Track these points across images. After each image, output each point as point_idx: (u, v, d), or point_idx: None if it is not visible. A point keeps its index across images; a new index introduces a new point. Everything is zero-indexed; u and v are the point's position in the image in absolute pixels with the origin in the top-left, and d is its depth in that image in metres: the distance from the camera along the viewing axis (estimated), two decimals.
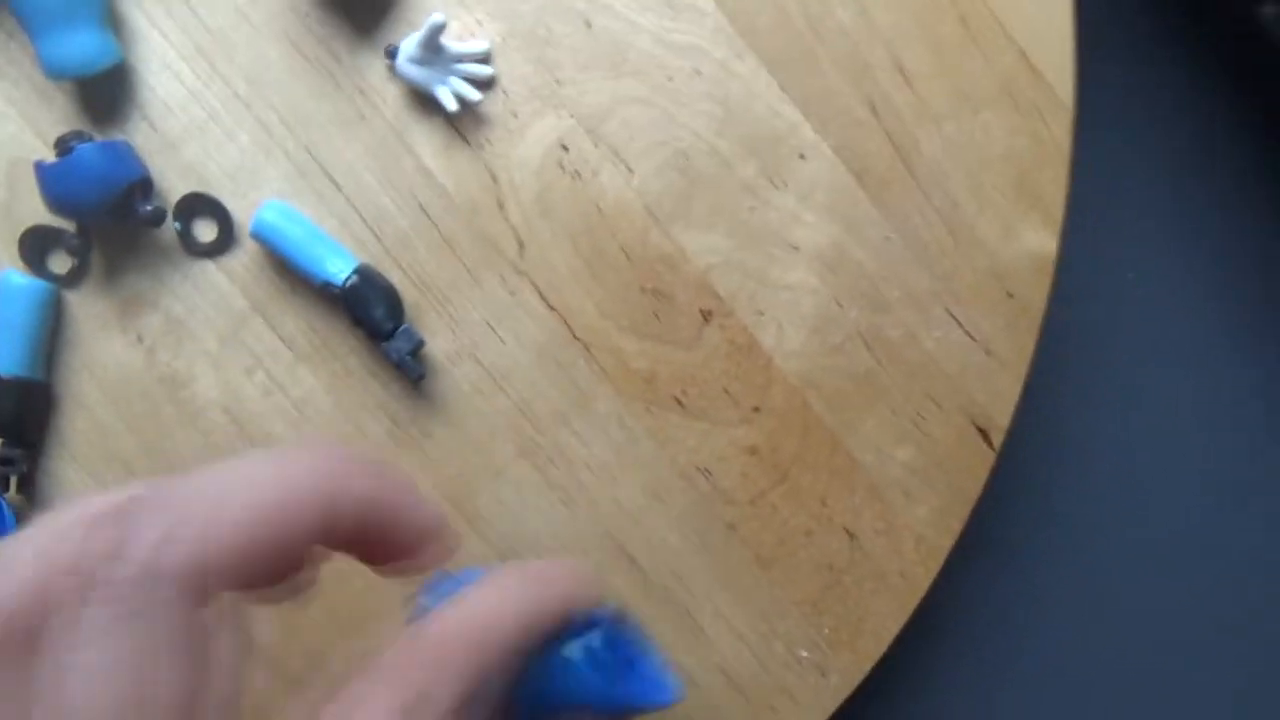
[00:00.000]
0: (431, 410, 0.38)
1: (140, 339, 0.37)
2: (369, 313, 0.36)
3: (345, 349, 0.38)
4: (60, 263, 0.37)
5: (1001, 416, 0.38)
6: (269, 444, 0.38)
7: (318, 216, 0.37)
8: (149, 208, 0.35)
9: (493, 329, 0.38)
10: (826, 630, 0.39)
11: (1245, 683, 0.52)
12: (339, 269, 0.36)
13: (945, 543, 0.38)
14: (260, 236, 0.36)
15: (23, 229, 0.37)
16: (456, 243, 0.37)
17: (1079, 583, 0.45)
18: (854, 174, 0.37)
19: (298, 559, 0.18)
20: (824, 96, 0.37)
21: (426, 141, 0.37)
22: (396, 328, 0.36)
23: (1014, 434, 0.38)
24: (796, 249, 0.37)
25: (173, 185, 0.37)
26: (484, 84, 0.37)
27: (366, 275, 0.36)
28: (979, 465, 0.38)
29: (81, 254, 0.37)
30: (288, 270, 0.37)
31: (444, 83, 0.36)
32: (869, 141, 0.37)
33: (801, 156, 0.37)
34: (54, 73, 0.34)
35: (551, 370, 0.38)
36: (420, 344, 0.36)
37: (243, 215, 0.37)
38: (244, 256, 0.37)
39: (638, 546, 0.38)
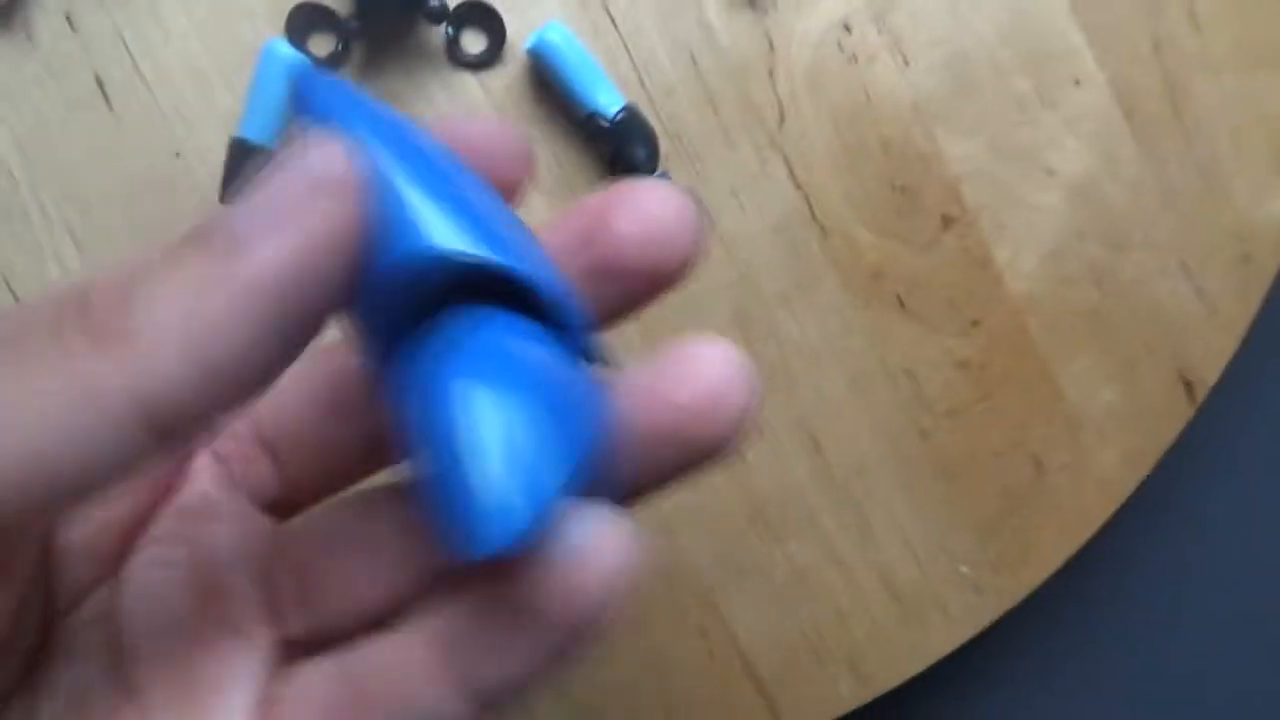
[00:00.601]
0: None
1: None
2: (632, 151, 0.36)
3: (585, 187, 0.38)
4: (322, 44, 0.37)
5: (1210, 374, 0.39)
6: None
7: (589, 50, 0.37)
8: (435, 2, 0.35)
9: (736, 195, 0.38)
10: (992, 552, 0.40)
11: None
12: (610, 102, 0.36)
13: (1127, 488, 0.39)
14: (538, 54, 0.36)
15: (294, 3, 0.36)
16: (719, 103, 0.37)
17: (1247, 552, 0.46)
18: (1123, 110, 0.38)
19: None
20: (1111, 27, 0.38)
21: None
22: (653, 171, 0.36)
23: (1215, 394, 0.39)
24: (1052, 173, 0.38)
25: None
26: None
27: (634, 113, 0.36)
28: (1177, 418, 0.39)
29: (346, 39, 0.37)
30: (548, 97, 0.37)
31: None
32: (1145, 79, 0.38)
33: (1077, 82, 0.38)
34: None
35: (783, 248, 0.38)
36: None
37: (514, 34, 0.37)
38: (506, 76, 0.37)
39: (828, 437, 0.39)
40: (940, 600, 0.40)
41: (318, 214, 0.13)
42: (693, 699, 0.40)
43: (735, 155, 0.38)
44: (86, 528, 0.18)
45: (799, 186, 0.38)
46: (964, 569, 0.40)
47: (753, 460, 0.39)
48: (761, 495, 0.39)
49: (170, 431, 0.13)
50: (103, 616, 0.18)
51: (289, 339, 0.14)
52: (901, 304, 0.39)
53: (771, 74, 0.37)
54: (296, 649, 0.17)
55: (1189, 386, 0.39)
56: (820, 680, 0.40)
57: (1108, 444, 0.39)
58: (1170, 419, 0.39)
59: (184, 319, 0.13)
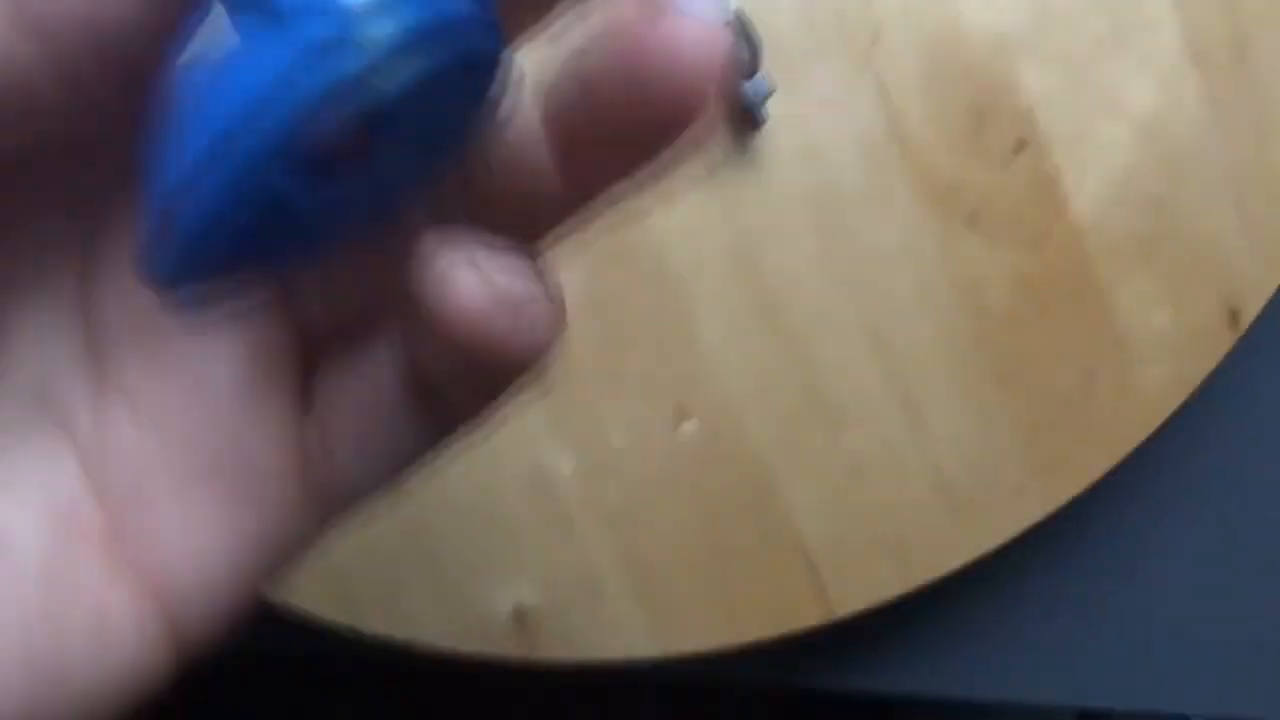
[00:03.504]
0: (748, 163, 0.43)
1: None
2: (739, 51, 0.41)
3: None
4: None
5: (1254, 305, 0.43)
6: None
7: None
8: None
9: (825, 107, 0.43)
10: (1038, 458, 0.45)
11: None
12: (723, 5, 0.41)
13: (1170, 407, 0.44)
14: None
15: None
16: (818, 17, 0.42)
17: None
18: (1193, 54, 0.42)
19: None
20: None
21: None
22: (754, 72, 0.41)
23: (1255, 326, 0.44)
24: (1120, 108, 0.43)
25: None
26: None
27: (742, 18, 0.41)
28: (1220, 344, 0.44)
29: None
30: None
31: None
32: (1215, 28, 0.42)
33: (1151, 25, 0.42)
34: None
35: (866, 159, 0.43)
36: (771, 91, 0.42)
37: None
38: None
39: (893, 335, 0.44)
40: (986, 499, 0.45)
41: None
42: (747, 576, 0.45)
43: (828, 69, 0.43)
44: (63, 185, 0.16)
45: (884, 103, 0.43)
46: (1010, 472, 0.45)
47: (820, 353, 0.44)
48: (824, 385, 0.44)
49: None
50: (75, 299, 0.16)
51: None
52: (971, 219, 0.43)
53: None
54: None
55: (1234, 315, 0.44)
56: (867, 566, 0.45)
57: (1154, 363, 0.44)
58: (1214, 345, 0.44)
59: None
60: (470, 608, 0.45)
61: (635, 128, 0.15)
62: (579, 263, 0.43)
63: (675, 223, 0.43)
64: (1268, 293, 0.43)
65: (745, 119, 0.42)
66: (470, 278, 0.15)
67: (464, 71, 0.14)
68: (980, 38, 0.43)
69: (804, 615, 0.45)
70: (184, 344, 0.16)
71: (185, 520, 0.16)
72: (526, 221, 0.17)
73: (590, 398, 0.44)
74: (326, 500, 0.17)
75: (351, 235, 0.16)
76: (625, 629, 0.45)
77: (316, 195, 0.14)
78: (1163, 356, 0.44)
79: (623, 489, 0.44)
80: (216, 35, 0.12)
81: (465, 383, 0.16)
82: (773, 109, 0.42)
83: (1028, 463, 0.45)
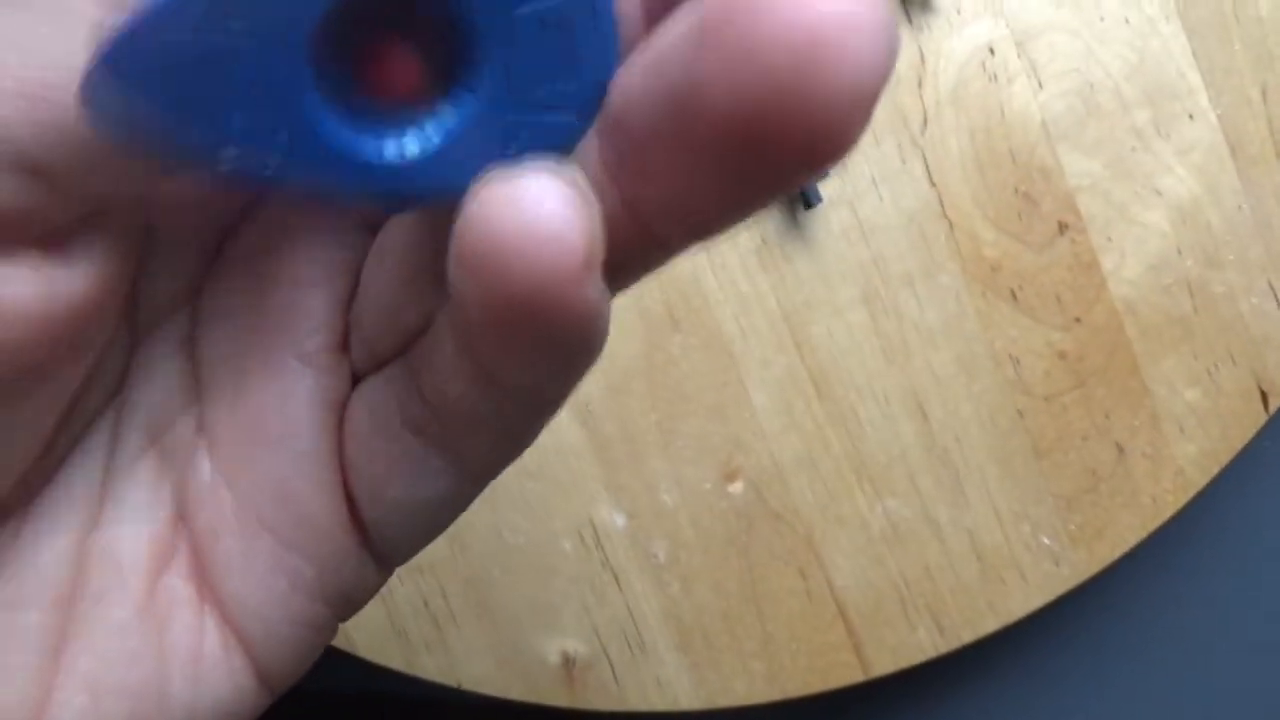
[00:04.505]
0: (800, 239, 0.46)
1: None
2: None
3: None
4: None
5: None
6: None
7: None
8: None
9: (876, 186, 0.45)
10: (1072, 527, 0.47)
11: None
12: None
13: (1201, 481, 0.46)
14: None
15: None
16: None
17: None
18: (1229, 145, 0.45)
19: None
20: (1225, 72, 0.45)
21: None
22: None
23: None
24: (1159, 194, 0.45)
25: None
26: None
27: None
28: (1251, 422, 0.46)
29: None
30: None
31: None
32: (1251, 121, 0.45)
33: (1190, 117, 0.45)
34: None
35: (913, 237, 0.46)
36: (825, 173, 0.44)
37: None
38: None
39: (934, 406, 0.46)
40: (1020, 566, 0.47)
41: None
42: (788, 634, 0.47)
43: (880, 151, 0.45)
44: (170, 239, 0.17)
45: (933, 184, 0.45)
46: (1045, 539, 0.47)
47: (864, 421, 0.46)
48: (868, 452, 0.46)
49: None
50: (183, 342, 0.17)
51: None
52: (1014, 296, 0.46)
53: (920, 84, 0.45)
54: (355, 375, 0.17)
55: (1265, 395, 0.46)
56: (904, 628, 0.47)
57: (1187, 439, 0.46)
58: (1245, 423, 0.46)
59: None
60: (519, 655, 0.47)
61: (758, 144, 0.11)
62: (637, 328, 0.46)
63: (730, 293, 0.46)
64: None
65: (799, 198, 0.45)
66: (502, 192, 0.12)
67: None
68: (1026, 125, 0.45)
69: (842, 674, 0.47)
70: (266, 395, 0.16)
71: (250, 564, 0.16)
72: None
73: (643, 456, 0.46)
74: (376, 548, 0.17)
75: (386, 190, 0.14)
76: (669, 681, 0.47)
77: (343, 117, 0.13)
78: (1195, 433, 0.46)
79: (671, 545, 0.46)
80: None
81: (509, 352, 0.14)
82: (826, 190, 0.45)
83: (1062, 532, 0.47)
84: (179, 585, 0.16)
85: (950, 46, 0.45)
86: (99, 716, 0.15)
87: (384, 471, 0.16)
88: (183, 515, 0.17)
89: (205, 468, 0.17)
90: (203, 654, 0.16)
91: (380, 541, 0.17)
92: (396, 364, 0.16)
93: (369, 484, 0.17)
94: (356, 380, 0.17)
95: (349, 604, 0.17)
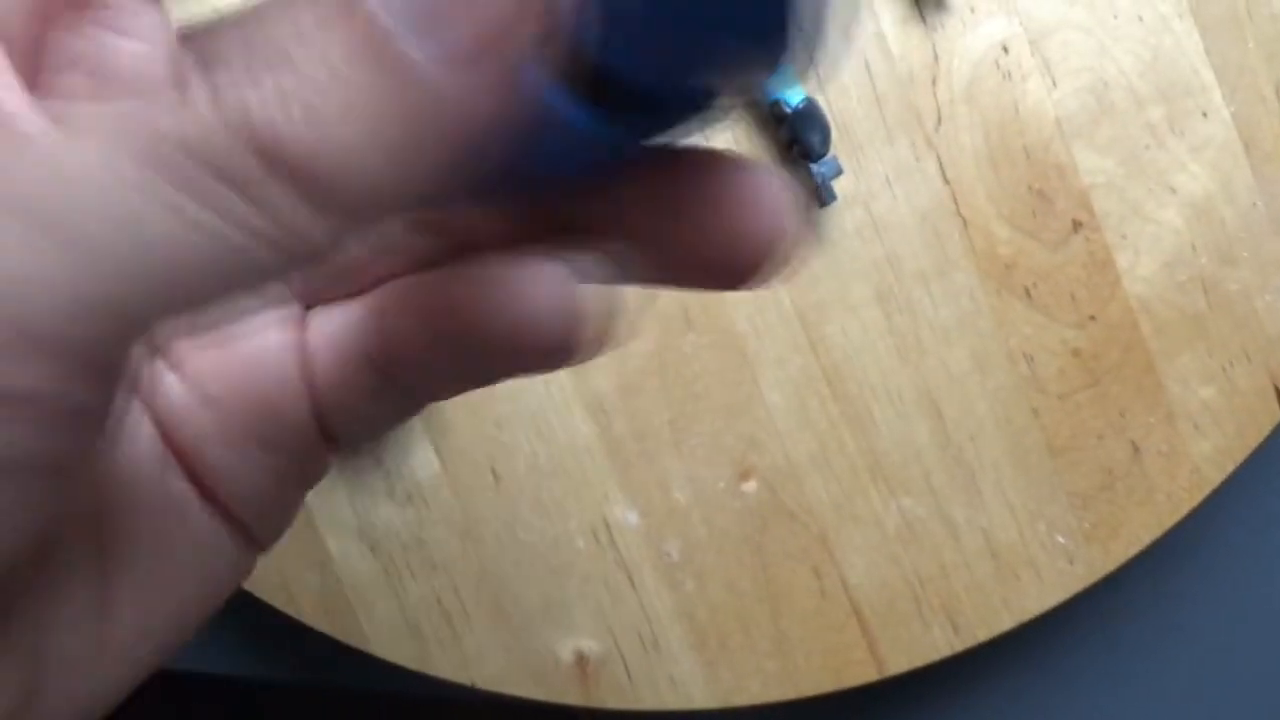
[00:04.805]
0: (815, 238, 0.46)
1: None
2: (808, 135, 0.44)
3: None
4: None
5: None
6: None
7: None
8: None
9: (890, 185, 0.46)
10: (1087, 525, 0.47)
11: None
12: (793, 94, 0.44)
13: (1216, 479, 0.46)
14: None
15: None
16: (886, 103, 0.45)
17: None
18: (1243, 142, 0.45)
19: None
20: (1239, 70, 0.45)
21: (889, 11, 0.45)
22: (824, 155, 0.44)
23: None
24: (1174, 191, 0.45)
25: None
26: None
27: (812, 105, 0.44)
28: (1266, 420, 0.46)
29: None
30: None
31: None
32: (1265, 118, 0.45)
33: (1204, 115, 0.45)
34: None
35: (927, 235, 0.46)
36: (839, 172, 0.44)
37: None
38: None
39: (948, 405, 0.46)
40: (1035, 564, 0.47)
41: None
42: (802, 632, 0.47)
43: (894, 149, 0.45)
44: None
45: (947, 182, 0.45)
46: (1060, 538, 0.47)
47: (878, 419, 0.46)
48: (882, 451, 0.46)
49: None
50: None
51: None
52: (1028, 294, 0.46)
53: (934, 82, 0.45)
54: None
55: (1279, 393, 0.46)
56: (919, 627, 0.47)
57: (1202, 436, 0.46)
58: (1261, 420, 0.46)
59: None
60: (533, 654, 0.47)
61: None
62: (650, 327, 0.46)
63: (744, 293, 0.46)
64: None
65: (814, 197, 0.45)
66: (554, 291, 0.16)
67: None
68: (1039, 123, 0.45)
69: (856, 673, 0.47)
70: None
71: (240, 466, 0.19)
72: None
73: (656, 455, 0.46)
74: (335, 442, 0.20)
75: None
76: (683, 680, 0.47)
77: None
78: (1210, 430, 0.46)
79: (684, 544, 0.47)
80: None
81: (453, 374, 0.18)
82: (840, 188, 0.45)
83: (1077, 530, 0.47)
84: (184, 487, 0.18)
85: (964, 45, 0.45)
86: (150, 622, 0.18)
87: (346, 394, 0.19)
88: (165, 432, 0.18)
89: (177, 391, 0.18)
90: (211, 541, 0.18)
91: (340, 439, 0.20)
92: (355, 304, 0.19)
93: (332, 400, 0.19)
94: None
95: (314, 484, 0.20)
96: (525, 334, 0.16)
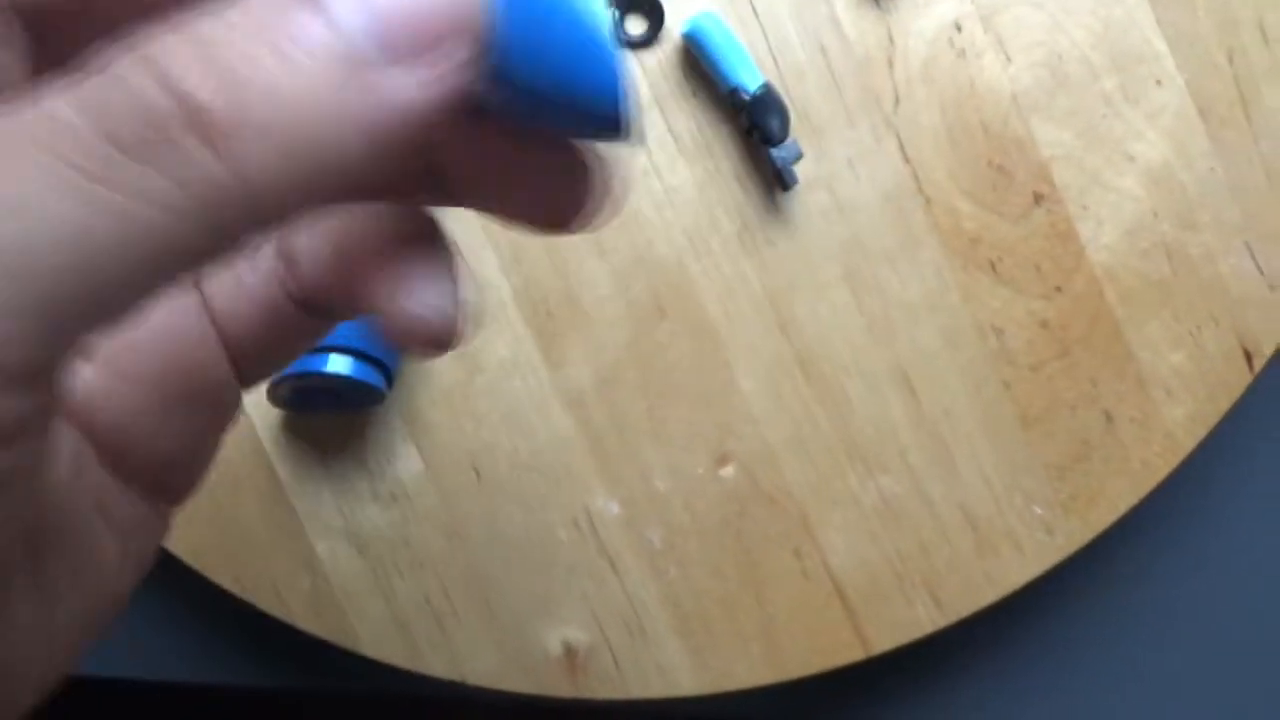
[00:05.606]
0: (780, 223, 0.46)
1: None
2: (766, 121, 0.44)
3: (722, 153, 0.46)
4: None
5: (1268, 345, 0.46)
6: (634, 220, 0.47)
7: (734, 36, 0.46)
8: None
9: (852, 166, 0.46)
10: (1064, 495, 0.47)
11: None
12: (751, 80, 0.45)
13: (1189, 444, 0.46)
14: (691, 38, 0.45)
15: None
16: (843, 85, 0.46)
17: None
18: (1198, 108, 0.45)
19: None
20: (1191, 38, 0.45)
21: None
22: (784, 139, 0.45)
23: (1271, 365, 0.46)
24: (1132, 160, 0.46)
25: None
26: None
27: (770, 90, 0.45)
28: (1237, 383, 0.46)
29: None
30: (694, 75, 0.46)
31: None
32: (1218, 84, 0.45)
33: (1158, 83, 0.45)
34: None
35: (891, 214, 0.46)
36: (799, 156, 0.45)
37: (670, 20, 0.46)
38: (661, 55, 0.46)
39: (920, 380, 0.47)
40: (1015, 537, 0.47)
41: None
42: (786, 615, 0.48)
43: (854, 132, 0.46)
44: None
45: (908, 161, 0.46)
46: (1038, 510, 0.47)
47: (853, 399, 0.47)
48: (857, 430, 0.47)
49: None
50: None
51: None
52: (993, 268, 0.46)
53: (890, 64, 0.46)
54: None
55: (1249, 356, 0.46)
56: (902, 605, 0.48)
57: (1174, 402, 0.46)
58: (1231, 384, 0.46)
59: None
60: (522, 648, 0.48)
61: None
62: (624, 317, 0.47)
63: (713, 279, 0.47)
64: None
65: (777, 181, 0.46)
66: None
67: None
68: (996, 98, 0.46)
69: (842, 653, 0.48)
70: None
71: (164, 431, 0.19)
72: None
73: (635, 444, 0.47)
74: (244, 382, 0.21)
75: None
76: (671, 667, 0.48)
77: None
78: (1182, 396, 0.46)
79: (666, 531, 0.47)
80: None
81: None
82: (802, 171, 0.46)
83: (1055, 501, 0.47)
84: (102, 475, 0.19)
85: (918, 25, 0.46)
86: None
87: (261, 333, 0.20)
88: (82, 420, 0.18)
89: (88, 376, 0.18)
90: (133, 519, 0.19)
91: (253, 375, 0.21)
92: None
93: (246, 342, 0.20)
94: None
95: (231, 424, 0.21)
96: (417, 328, 0.18)
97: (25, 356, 0.13)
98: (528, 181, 0.18)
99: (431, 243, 0.18)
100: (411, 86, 0.14)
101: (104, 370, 0.18)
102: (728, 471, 0.47)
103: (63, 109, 0.13)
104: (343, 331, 0.43)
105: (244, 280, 0.19)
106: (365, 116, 0.13)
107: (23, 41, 0.17)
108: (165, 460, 0.19)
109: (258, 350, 0.20)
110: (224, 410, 0.20)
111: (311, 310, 0.20)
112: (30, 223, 0.12)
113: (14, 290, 0.12)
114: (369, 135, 0.14)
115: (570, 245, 0.47)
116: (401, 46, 0.14)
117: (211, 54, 0.13)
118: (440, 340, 0.18)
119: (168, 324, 0.19)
